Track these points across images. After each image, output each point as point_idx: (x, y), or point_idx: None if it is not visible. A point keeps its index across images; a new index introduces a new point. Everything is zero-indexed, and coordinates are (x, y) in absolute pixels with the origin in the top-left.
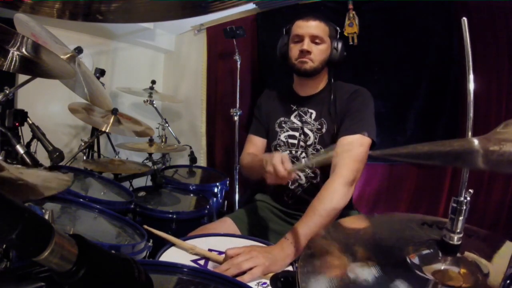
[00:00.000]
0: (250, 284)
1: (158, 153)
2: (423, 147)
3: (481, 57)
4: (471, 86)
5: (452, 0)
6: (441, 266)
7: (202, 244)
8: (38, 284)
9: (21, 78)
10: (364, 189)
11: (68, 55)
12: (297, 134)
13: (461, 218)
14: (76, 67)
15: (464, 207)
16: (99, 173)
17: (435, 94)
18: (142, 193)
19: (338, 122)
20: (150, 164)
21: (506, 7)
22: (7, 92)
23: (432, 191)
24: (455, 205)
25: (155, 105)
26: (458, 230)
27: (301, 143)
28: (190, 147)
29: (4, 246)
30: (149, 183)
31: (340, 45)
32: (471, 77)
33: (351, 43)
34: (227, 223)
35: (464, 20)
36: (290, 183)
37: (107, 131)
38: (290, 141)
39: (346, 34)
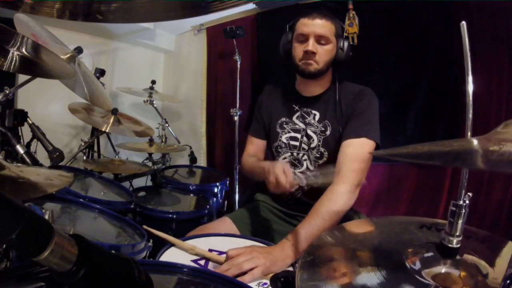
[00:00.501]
0: (250, 284)
1: (158, 153)
2: (423, 147)
3: (481, 57)
4: (470, 88)
5: (452, 0)
6: (441, 270)
7: (202, 244)
8: (38, 284)
9: (21, 78)
10: (364, 189)
11: (68, 55)
12: (299, 136)
13: (460, 221)
14: (76, 67)
15: (463, 211)
16: (99, 173)
17: (435, 94)
18: (142, 193)
19: (343, 124)
20: (150, 164)
21: (506, 7)
22: (7, 92)
23: (432, 191)
24: (454, 208)
25: (155, 105)
26: (457, 233)
27: (303, 145)
28: (190, 147)
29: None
30: (149, 183)
31: (346, 44)
32: (470, 78)
33: (351, 43)
34: (226, 223)
35: (463, 24)
36: None
37: (107, 131)
38: (292, 143)
39: (346, 34)
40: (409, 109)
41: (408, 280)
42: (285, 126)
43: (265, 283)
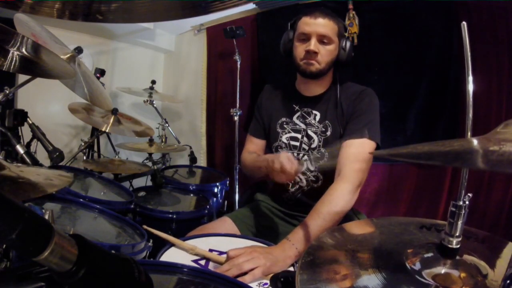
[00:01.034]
0: (251, 284)
1: (158, 153)
2: (423, 147)
3: (481, 57)
4: (470, 88)
5: (452, 0)
6: (441, 270)
7: (202, 244)
8: (38, 284)
9: (21, 78)
10: (364, 189)
11: (68, 55)
12: (299, 136)
13: (460, 222)
14: (76, 67)
15: (463, 211)
16: (99, 173)
17: (435, 94)
18: (142, 193)
19: (344, 124)
20: (150, 164)
21: (506, 7)
22: (7, 92)
23: (432, 191)
24: (454, 209)
25: (155, 105)
26: (457, 234)
27: (304, 146)
28: (190, 147)
29: (4, 246)
30: (149, 183)
31: (348, 44)
32: (470, 78)
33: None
34: (226, 223)
35: (464, 24)
36: (290, 186)
37: (107, 131)
38: (292, 143)
39: (347, 35)
40: (409, 109)
41: (408, 280)
42: (285, 126)
43: (266, 283)
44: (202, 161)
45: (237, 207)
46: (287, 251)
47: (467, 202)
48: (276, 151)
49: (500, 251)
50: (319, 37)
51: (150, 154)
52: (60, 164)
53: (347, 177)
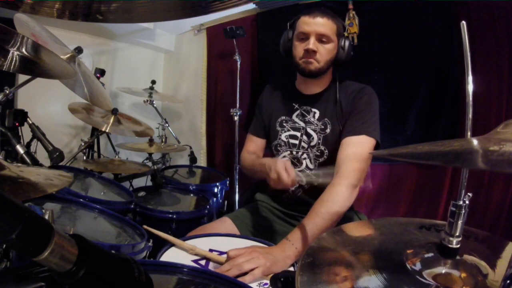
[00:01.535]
0: (251, 284)
1: (158, 153)
2: (423, 147)
3: (481, 57)
4: (470, 88)
5: (452, 0)
6: (441, 270)
7: (202, 244)
8: (38, 284)
9: (21, 78)
10: (364, 189)
11: (68, 55)
12: (298, 134)
13: (460, 222)
14: (76, 67)
15: (463, 211)
16: (99, 173)
17: (435, 94)
18: (142, 193)
19: (343, 122)
20: (150, 164)
21: (506, 7)
22: (7, 92)
23: (432, 191)
24: (454, 209)
25: (155, 105)
26: (457, 234)
27: (303, 144)
28: (190, 147)
29: (4, 246)
30: (149, 183)
31: (347, 43)
32: (470, 78)
33: (351, 42)
34: (226, 223)
35: (464, 24)
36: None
37: (107, 131)
38: (291, 141)
39: (346, 34)
40: (409, 109)
41: (409, 281)
42: (284, 124)
43: (266, 284)
44: (202, 161)
45: (237, 207)
46: (287, 251)
47: (467, 202)
48: (275, 150)
49: (500, 251)
50: (318, 36)
51: (150, 154)
52: (60, 164)
53: (346, 176)
